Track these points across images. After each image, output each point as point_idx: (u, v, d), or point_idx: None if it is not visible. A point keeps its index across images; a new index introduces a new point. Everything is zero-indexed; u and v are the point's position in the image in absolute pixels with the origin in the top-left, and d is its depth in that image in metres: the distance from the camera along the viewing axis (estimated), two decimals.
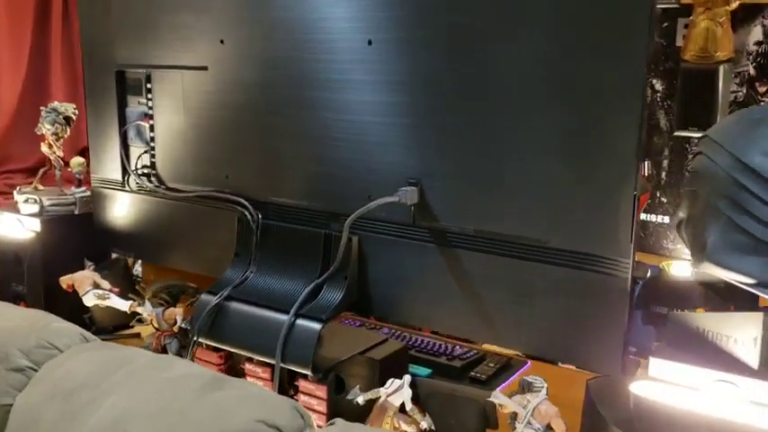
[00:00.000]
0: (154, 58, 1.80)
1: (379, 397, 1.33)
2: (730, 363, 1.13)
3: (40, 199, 2.04)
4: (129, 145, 1.91)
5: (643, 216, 2.37)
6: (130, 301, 1.75)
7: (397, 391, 1.33)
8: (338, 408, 1.41)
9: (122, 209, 1.97)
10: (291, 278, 1.55)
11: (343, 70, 1.48)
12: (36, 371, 1.30)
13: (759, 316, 1.12)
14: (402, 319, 1.58)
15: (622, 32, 1.18)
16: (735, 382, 1.10)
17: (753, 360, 1.12)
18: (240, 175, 1.70)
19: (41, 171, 2.17)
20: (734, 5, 2.22)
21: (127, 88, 1.89)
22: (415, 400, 1.34)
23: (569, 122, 1.25)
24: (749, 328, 1.12)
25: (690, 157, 2.56)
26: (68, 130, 2.12)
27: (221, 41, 1.66)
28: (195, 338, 1.56)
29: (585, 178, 1.24)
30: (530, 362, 1.67)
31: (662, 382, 1.16)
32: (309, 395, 1.43)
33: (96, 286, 1.77)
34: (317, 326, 1.42)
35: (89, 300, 1.75)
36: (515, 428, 1.24)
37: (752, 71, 2.46)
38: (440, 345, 1.69)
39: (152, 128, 1.85)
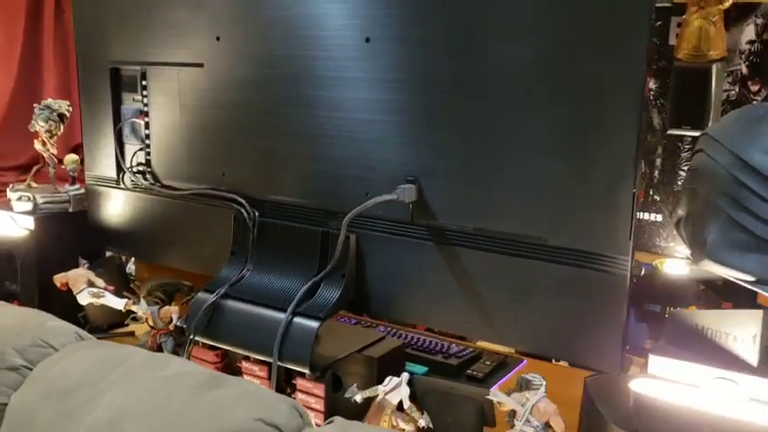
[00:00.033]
0: (149, 55, 1.79)
1: (377, 395, 1.33)
2: (730, 360, 1.14)
3: (34, 197, 2.02)
4: (124, 142, 1.91)
5: None
6: (125, 300, 1.74)
7: (395, 389, 1.32)
8: (336, 406, 1.41)
9: (117, 207, 1.96)
10: (288, 276, 1.54)
11: (341, 68, 1.48)
12: (31, 370, 1.29)
13: (759, 313, 1.12)
14: (400, 317, 1.58)
15: (622, 32, 1.19)
16: (734, 379, 1.11)
17: (752, 357, 1.12)
18: (237, 173, 1.69)
19: (35, 168, 2.16)
20: (727, 4, 2.24)
21: (122, 85, 1.88)
22: (412, 398, 1.34)
23: (569, 122, 1.25)
24: (749, 326, 1.12)
25: (682, 155, 2.58)
26: (62, 127, 2.10)
27: (217, 38, 1.65)
28: (192, 337, 1.55)
29: (585, 177, 1.24)
30: (525, 360, 1.68)
31: (661, 379, 1.17)
32: (307, 393, 1.42)
33: (91, 284, 1.76)
34: (314, 324, 1.42)
35: (83, 298, 1.74)
36: (514, 426, 1.24)
37: (744, 70, 2.47)
38: (436, 343, 1.69)
39: (147, 125, 1.84)
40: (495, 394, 1.26)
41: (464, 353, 1.65)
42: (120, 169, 1.92)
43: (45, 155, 2.11)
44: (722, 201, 1.11)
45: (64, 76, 3.54)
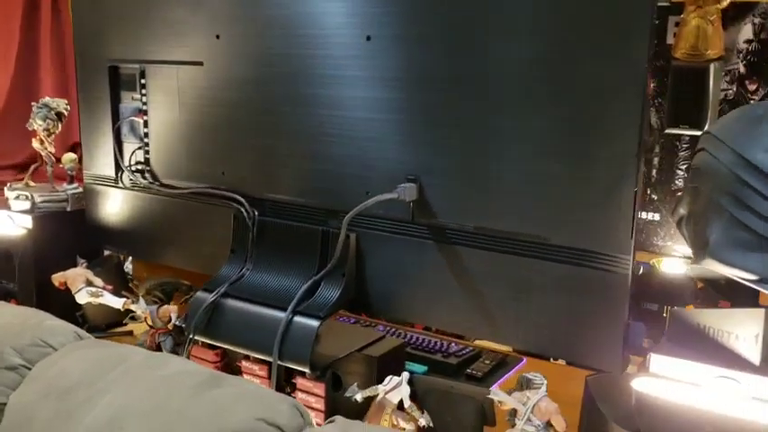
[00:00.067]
0: (148, 53, 1.79)
1: (378, 394, 1.33)
2: (732, 359, 1.14)
3: (32, 195, 2.01)
4: (123, 141, 1.90)
5: None
6: (124, 299, 1.73)
7: (396, 389, 1.32)
8: (336, 405, 1.40)
9: (115, 205, 1.95)
10: (288, 275, 1.54)
11: (340, 66, 1.48)
12: (30, 369, 1.28)
13: (761, 312, 1.12)
14: (400, 316, 1.57)
15: (622, 32, 1.18)
16: (736, 378, 1.11)
17: (754, 356, 1.12)
18: (236, 172, 1.68)
19: (32, 167, 2.15)
20: (724, 4, 2.23)
21: (120, 84, 1.87)
22: (412, 397, 1.34)
23: (570, 122, 1.25)
24: (751, 325, 1.12)
25: (680, 154, 2.58)
26: (60, 125, 2.10)
27: (217, 36, 1.65)
28: (191, 336, 1.55)
29: (586, 176, 1.24)
30: (525, 359, 1.68)
31: (663, 378, 1.16)
32: (307, 393, 1.42)
33: (89, 284, 1.75)
34: (314, 323, 1.41)
35: (82, 297, 1.73)
36: (515, 425, 1.24)
37: (742, 69, 2.47)
38: (435, 342, 1.69)
39: (146, 124, 1.84)
40: (497, 393, 1.26)
41: (464, 352, 1.65)
42: (118, 168, 1.92)
43: (43, 153, 2.10)
44: (725, 199, 1.11)
45: (61, 75, 3.53)
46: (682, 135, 2.52)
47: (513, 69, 1.29)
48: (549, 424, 1.22)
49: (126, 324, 1.84)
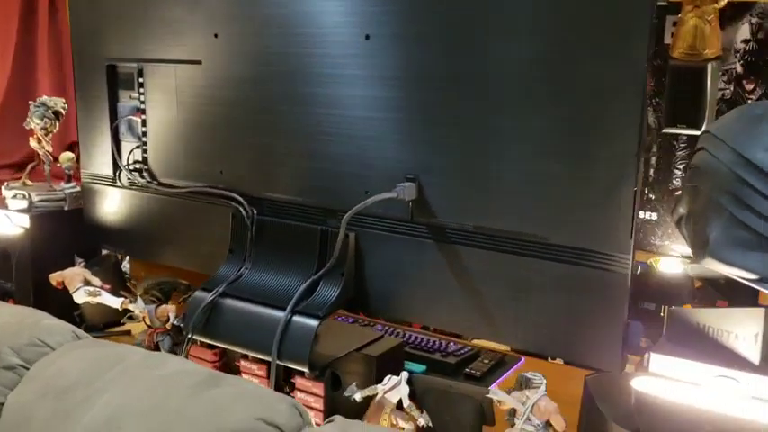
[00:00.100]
0: (146, 52, 1.78)
1: (377, 394, 1.33)
2: (731, 358, 1.14)
3: (29, 194, 2.01)
4: (121, 140, 1.89)
5: None
6: (122, 298, 1.73)
7: (395, 388, 1.32)
8: (335, 405, 1.40)
9: (113, 205, 1.95)
10: (287, 275, 1.54)
11: (339, 65, 1.48)
12: (27, 369, 1.28)
13: (760, 312, 1.12)
14: (400, 315, 1.57)
15: (622, 32, 1.18)
16: (736, 377, 1.11)
17: (754, 356, 1.12)
18: (235, 171, 1.68)
19: (30, 166, 2.14)
20: (722, 3, 2.24)
21: (118, 83, 1.87)
22: (411, 396, 1.34)
23: (569, 122, 1.25)
24: (750, 324, 1.12)
25: (678, 153, 2.58)
26: (57, 124, 2.09)
27: (215, 35, 1.64)
28: (189, 335, 1.54)
29: (586, 176, 1.24)
30: (524, 358, 1.67)
31: (662, 377, 1.16)
32: (306, 392, 1.42)
33: (87, 283, 1.75)
34: (313, 323, 1.41)
35: (80, 297, 1.73)
36: (514, 425, 1.24)
37: (739, 69, 2.48)
38: (434, 341, 1.69)
39: (144, 123, 1.83)
40: (496, 393, 1.26)
41: (462, 351, 1.65)
42: (116, 167, 1.91)
43: (40, 152, 2.10)
44: (724, 199, 1.11)
45: (58, 75, 3.52)
46: (679, 134, 2.53)
47: (512, 69, 1.29)
48: (548, 423, 1.22)
49: (124, 323, 1.84)
